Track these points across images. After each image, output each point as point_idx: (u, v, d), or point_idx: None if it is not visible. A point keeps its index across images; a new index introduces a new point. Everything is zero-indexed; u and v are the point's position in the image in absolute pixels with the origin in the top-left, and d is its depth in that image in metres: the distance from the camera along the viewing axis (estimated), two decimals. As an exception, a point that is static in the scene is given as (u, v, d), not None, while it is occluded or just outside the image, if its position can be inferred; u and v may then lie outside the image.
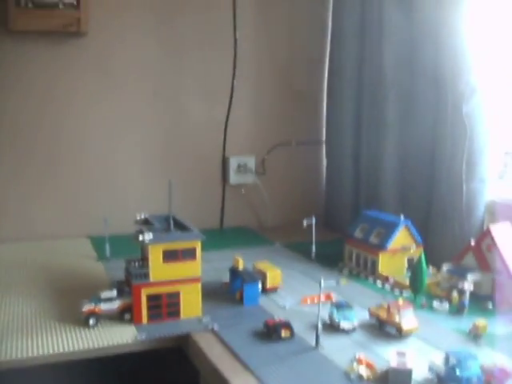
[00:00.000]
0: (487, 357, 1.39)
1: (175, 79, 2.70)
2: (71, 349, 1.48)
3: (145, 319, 1.62)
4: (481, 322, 1.53)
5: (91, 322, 1.59)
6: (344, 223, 2.70)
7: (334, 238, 2.49)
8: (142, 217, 1.81)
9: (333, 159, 2.89)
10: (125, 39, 2.59)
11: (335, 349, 1.47)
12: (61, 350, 1.47)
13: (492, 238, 1.80)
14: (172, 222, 1.69)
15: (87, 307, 1.60)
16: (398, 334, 1.53)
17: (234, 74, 2.76)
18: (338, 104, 2.78)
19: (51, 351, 1.46)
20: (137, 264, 1.68)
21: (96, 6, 2.47)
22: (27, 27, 2.34)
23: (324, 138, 2.97)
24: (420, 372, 1.32)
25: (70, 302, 1.77)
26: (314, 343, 1.48)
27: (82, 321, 1.60)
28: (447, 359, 1.27)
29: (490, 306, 1.74)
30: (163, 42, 2.66)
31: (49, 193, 2.56)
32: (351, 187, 2.77)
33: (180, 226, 1.72)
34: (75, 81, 2.55)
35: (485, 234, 1.85)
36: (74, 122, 2.57)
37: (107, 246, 2.21)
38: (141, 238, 1.58)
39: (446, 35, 2.10)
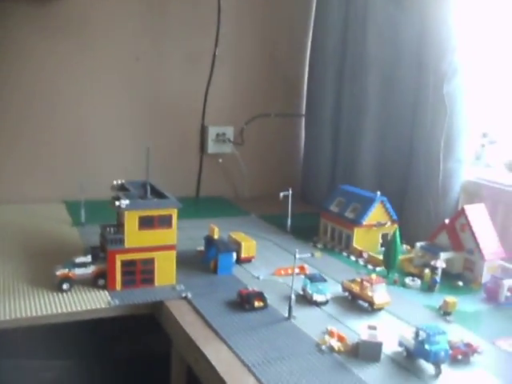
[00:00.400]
0: (455, 333, 1.42)
1: (157, 46, 2.67)
2: (44, 313, 1.47)
3: (119, 285, 1.62)
4: (451, 299, 1.56)
5: (65, 286, 1.59)
6: (320, 197, 2.70)
7: (310, 212, 2.50)
8: (119, 182, 1.80)
9: (311, 133, 2.89)
10: (106, 4, 2.54)
11: (307, 321, 1.48)
12: (33, 314, 1.46)
13: (466, 218, 1.82)
14: (149, 189, 1.68)
15: (61, 272, 1.59)
16: (370, 308, 1.55)
17: (216, 42, 2.73)
18: (320, 79, 2.78)
19: (24, 315, 1.46)
20: (112, 230, 1.67)
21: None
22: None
23: (304, 112, 2.96)
24: (390, 346, 1.34)
25: (43, 266, 1.75)
26: (286, 314, 1.50)
27: (56, 285, 1.59)
28: (417, 334, 1.29)
29: (461, 284, 1.77)
30: (146, 7, 2.62)
31: (24, 156, 2.53)
32: (329, 162, 2.78)
33: (156, 194, 1.71)
34: (54, 42, 2.49)
35: (459, 214, 1.87)
36: (51, 85, 2.53)
37: (82, 212, 2.19)
38: (117, 203, 1.57)
39: (430, 15, 2.10)
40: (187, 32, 2.70)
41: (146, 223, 1.61)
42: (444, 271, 1.76)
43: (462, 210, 1.84)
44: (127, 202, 1.58)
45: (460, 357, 1.31)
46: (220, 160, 2.86)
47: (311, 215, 2.37)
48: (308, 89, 2.92)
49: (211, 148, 2.82)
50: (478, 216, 1.83)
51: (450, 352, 1.29)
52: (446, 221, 1.88)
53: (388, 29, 2.35)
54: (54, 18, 2.47)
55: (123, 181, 1.81)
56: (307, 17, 2.88)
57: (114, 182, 1.80)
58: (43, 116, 2.54)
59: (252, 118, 2.89)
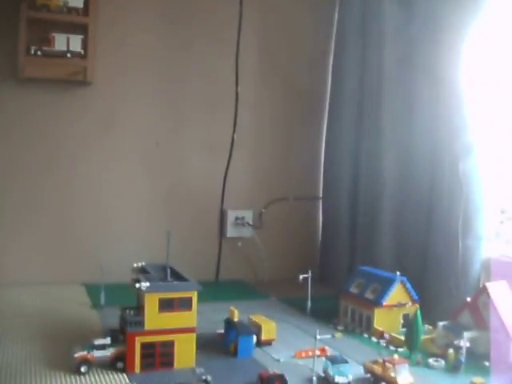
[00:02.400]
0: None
1: (176, 132, 2.75)
2: (62, 396, 1.46)
3: (138, 368, 1.60)
4: (478, 379, 1.52)
5: (83, 369, 1.57)
6: (339, 279, 2.70)
7: (330, 294, 2.48)
8: (139, 265, 1.81)
9: (329, 215, 2.91)
10: (129, 91, 2.65)
11: (330, 403, 1.45)
12: (51, 397, 1.45)
13: (488, 296, 1.80)
14: (169, 272, 1.69)
15: (79, 354, 1.58)
16: (394, 389, 1.52)
17: (234, 128, 2.81)
18: (336, 163, 2.83)
19: (41, 398, 1.44)
20: (132, 312, 1.67)
21: (103, 56, 2.54)
22: (35, 75, 2.39)
23: (321, 194, 2.99)
24: (415, 428, 1.30)
25: (62, 348, 1.74)
26: (308, 397, 1.47)
27: (74, 368, 1.57)
28: (443, 415, 1.25)
29: (487, 364, 1.72)
30: (166, 95, 2.72)
31: (46, 238, 2.57)
32: (347, 243, 2.78)
33: (176, 276, 1.71)
34: (79, 129, 2.59)
35: (481, 292, 1.84)
36: (74, 167, 2.61)
37: (102, 294, 2.19)
38: (137, 285, 1.58)
39: (444, 94, 2.15)
40: (205, 118, 2.79)
41: (166, 306, 1.61)
42: (468, 351, 1.73)
43: (484, 287, 1.82)
44: (148, 284, 1.59)
45: None
46: (239, 244, 2.87)
47: (330, 297, 2.35)
48: (324, 172, 2.96)
49: (230, 232, 2.84)
50: (500, 293, 1.80)
51: None
52: (468, 299, 1.86)
53: (402, 112, 2.41)
54: (77, 103, 2.58)
55: (143, 263, 1.82)
56: (323, 103, 2.95)
57: (135, 265, 1.81)
58: (64, 199, 2.60)
59: (270, 201, 2.92)
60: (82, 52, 2.42)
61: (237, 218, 2.84)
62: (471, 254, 2.07)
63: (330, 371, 1.57)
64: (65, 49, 2.39)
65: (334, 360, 1.60)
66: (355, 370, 1.63)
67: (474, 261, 2.07)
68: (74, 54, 2.41)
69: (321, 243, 3.01)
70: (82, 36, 2.43)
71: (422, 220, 2.30)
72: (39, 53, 2.36)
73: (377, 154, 2.53)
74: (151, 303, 1.59)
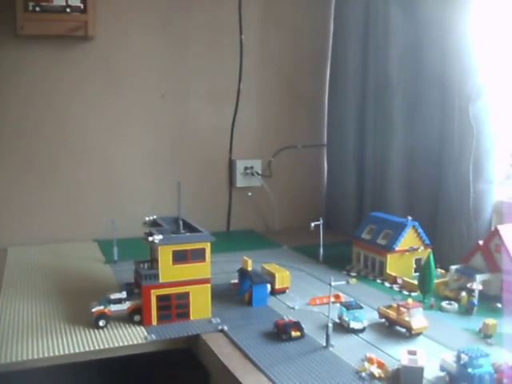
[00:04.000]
0: (498, 355, 1.39)
1: (182, 83, 2.72)
2: (81, 350, 1.48)
3: (154, 320, 1.62)
4: (491, 321, 1.53)
5: (101, 323, 1.60)
6: (347, 225, 2.71)
7: (340, 240, 2.50)
8: (151, 218, 1.82)
9: (334, 162, 2.91)
10: (131, 43, 2.61)
11: (346, 348, 1.47)
12: (71, 351, 1.47)
13: (500, 238, 1.80)
14: (181, 224, 1.69)
15: (97, 309, 1.61)
16: (408, 333, 1.53)
17: (239, 77, 2.78)
18: (341, 107, 2.80)
19: (61, 352, 1.47)
20: (146, 265, 1.69)
21: (103, 10, 2.49)
22: (35, 31, 2.35)
23: (325, 141, 2.98)
24: (431, 371, 1.32)
25: (79, 304, 1.77)
26: (324, 343, 1.48)
27: (92, 322, 1.60)
28: (459, 357, 1.27)
29: (499, 306, 1.74)
30: (170, 46, 2.68)
31: (56, 197, 2.58)
32: (354, 190, 2.78)
33: (189, 228, 1.72)
34: (83, 84, 2.56)
35: (493, 235, 1.85)
36: (81, 125, 2.59)
37: (115, 250, 2.21)
38: (150, 239, 1.58)
39: (452, 37, 2.11)
40: (211, 69, 2.76)
41: (179, 258, 1.62)
42: (481, 293, 1.74)
43: (496, 230, 1.82)
44: (160, 237, 1.59)
45: (505, 380, 1.27)
46: (249, 193, 2.87)
47: (342, 244, 2.37)
48: (329, 118, 2.94)
49: (240, 182, 2.84)
50: (512, 235, 1.81)
51: (495, 375, 1.26)
52: (480, 242, 1.86)
53: (409, 52, 2.37)
54: (79, 59, 2.54)
55: (155, 216, 1.83)
56: (326, 45, 2.92)
57: (146, 219, 1.82)
58: (72, 156, 2.59)
59: (279, 150, 2.91)
60: (82, 6, 2.36)
61: (246, 168, 2.84)
62: (482, 197, 2.06)
63: (345, 317, 1.59)
64: (63, 3, 2.33)
65: (348, 306, 1.61)
66: (370, 316, 1.64)
67: (485, 204, 2.06)
68: (74, 9, 2.35)
69: (326, 190, 3.01)
70: (80, -11, 2.37)
71: (433, 164, 2.28)
72: (37, 9, 2.31)
73: (384, 95, 2.50)
74: (165, 256, 1.61)
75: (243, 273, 1.86)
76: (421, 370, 1.27)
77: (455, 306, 1.74)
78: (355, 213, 2.77)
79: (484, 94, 2.03)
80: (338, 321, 1.62)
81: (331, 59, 2.89)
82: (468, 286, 1.76)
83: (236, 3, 2.74)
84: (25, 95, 2.49)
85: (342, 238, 2.57)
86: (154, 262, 1.68)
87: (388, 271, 2.02)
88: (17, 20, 2.31)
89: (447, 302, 1.76)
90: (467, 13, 2.05)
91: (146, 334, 1.57)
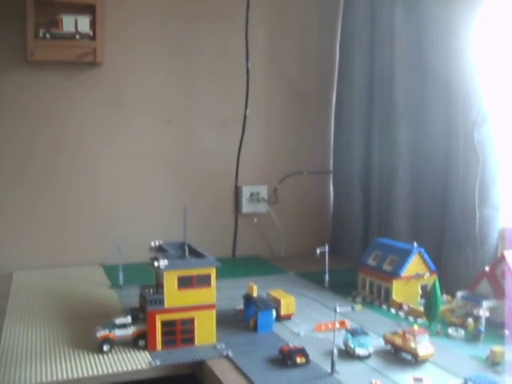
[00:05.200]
0: None
1: (188, 109, 2.74)
2: (85, 375, 1.47)
3: (159, 346, 1.61)
4: (498, 348, 1.52)
5: (105, 348, 1.59)
6: (353, 251, 2.70)
7: (346, 267, 2.49)
8: (157, 244, 1.82)
9: (340, 188, 2.91)
10: (139, 70, 2.64)
11: (351, 375, 1.46)
12: (75, 376, 1.47)
13: (506, 265, 1.79)
14: (187, 249, 1.69)
15: (101, 333, 1.60)
16: (414, 360, 1.52)
17: (246, 103, 2.80)
18: (347, 134, 2.81)
19: (65, 377, 1.46)
20: (151, 290, 1.69)
21: (112, 37, 2.53)
22: (45, 57, 2.39)
23: (331, 167, 2.99)
24: (437, 398, 1.31)
25: (83, 328, 1.77)
26: (329, 369, 1.47)
27: (96, 347, 1.60)
28: (465, 384, 1.26)
29: (507, 333, 1.72)
30: (176, 73, 2.71)
31: (63, 221, 2.59)
32: (360, 216, 2.78)
33: (194, 253, 1.72)
34: (90, 109, 2.59)
35: (499, 261, 1.84)
36: (88, 151, 2.61)
37: (120, 274, 2.21)
38: (156, 264, 1.59)
39: (458, 62, 2.12)
40: (217, 95, 2.78)
41: (185, 283, 1.62)
42: (487, 320, 1.73)
43: (502, 256, 1.81)
44: (166, 262, 1.59)
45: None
46: (255, 219, 2.88)
47: (347, 270, 2.36)
48: (334, 144, 2.95)
49: (246, 208, 2.84)
50: (518, 262, 1.80)
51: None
52: (486, 268, 1.85)
53: (415, 79, 2.39)
54: (87, 85, 2.57)
55: (161, 242, 1.83)
56: (333, 72, 2.94)
57: (152, 244, 1.82)
58: (80, 181, 2.61)
59: (285, 176, 2.91)
60: (91, 33, 2.40)
61: (252, 194, 2.84)
62: (488, 223, 2.06)
63: (351, 343, 1.58)
64: (73, 30, 2.38)
65: (354, 332, 1.60)
66: (375, 342, 1.63)
67: (491, 230, 2.06)
68: (83, 36, 2.39)
69: (332, 216, 3.01)
70: (90, 17, 2.40)
71: (438, 190, 2.28)
72: (48, 35, 2.35)
73: (389, 122, 2.51)
74: (170, 281, 1.60)
75: (248, 299, 1.85)
76: (427, 397, 1.26)
77: (462, 332, 1.73)
78: (361, 239, 2.76)
79: (489, 119, 2.04)
80: (343, 347, 1.61)
81: (337, 90, 2.91)
82: (474, 312, 1.75)
83: (243, 30, 2.77)
84: (33, 120, 2.51)
85: (347, 264, 2.57)
86: (159, 287, 1.68)
87: (394, 297, 2.01)
88: (27, 46, 2.35)
89: (453, 328, 1.75)
90: (473, 37, 2.07)
91: (150, 359, 1.56)
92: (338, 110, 2.91)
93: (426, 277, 2.03)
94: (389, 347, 1.62)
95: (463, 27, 2.09)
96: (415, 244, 2.05)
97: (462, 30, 2.10)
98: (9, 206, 2.51)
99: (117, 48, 2.57)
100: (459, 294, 1.88)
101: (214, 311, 1.66)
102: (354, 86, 2.73)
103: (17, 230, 2.53)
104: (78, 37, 2.38)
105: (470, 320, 1.75)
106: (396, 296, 2.00)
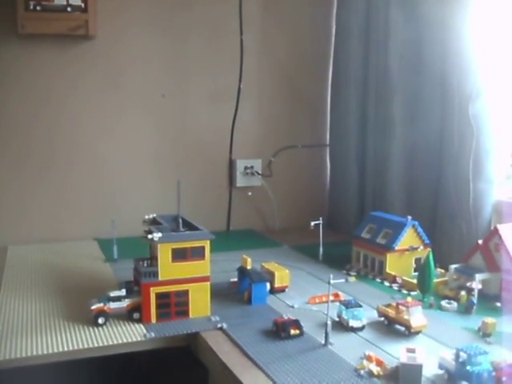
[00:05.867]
0: (497, 354, 1.39)
1: (182, 83, 2.72)
2: (80, 347, 1.48)
3: (154, 318, 1.62)
4: (490, 320, 1.53)
5: (100, 320, 1.60)
6: (348, 225, 2.71)
7: (341, 240, 2.49)
8: (151, 217, 1.82)
9: (337, 162, 2.91)
10: (132, 42, 2.61)
11: (344, 346, 1.47)
12: (70, 349, 1.47)
13: (500, 238, 1.80)
14: (181, 222, 1.69)
15: (96, 306, 1.61)
16: (407, 331, 1.53)
17: (240, 77, 2.78)
18: (342, 106, 2.80)
19: (60, 349, 1.47)
20: (145, 263, 1.69)
21: (104, 10, 2.49)
22: (36, 30, 2.35)
23: (328, 141, 2.98)
24: (430, 369, 1.32)
25: (78, 301, 1.77)
26: (323, 341, 1.48)
27: (91, 320, 1.60)
28: (457, 355, 1.27)
29: (498, 305, 1.74)
30: (170, 46, 2.68)
31: (56, 195, 2.58)
32: (356, 189, 2.78)
33: (188, 226, 1.72)
34: (83, 83, 2.57)
35: (492, 234, 1.85)
36: (81, 124, 2.59)
37: (115, 248, 2.21)
38: (150, 236, 1.59)
39: (452, 37, 2.11)
40: (211, 68, 2.76)
41: (179, 255, 1.62)
42: (480, 292, 1.74)
43: (495, 229, 1.82)
44: (160, 234, 1.59)
45: (504, 378, 1.27)
46: (249, 193, 2.87)
47: (342, 243, 2.36)
48: (331, 118, 2.94)
49: (240, 181, 2.84)
50: (511, 235, 1.80)
51: (494, 373, 1.26)
52: (480, 241, 1.86)
53: (410, 52, 2.38)
54: (79, 58, 2.54)
55: (155, 215, 1.83)
56: (328, 45, 2.91)
57: (146, 217, 1.83)
58: (72, 155, 2.59)
59: (279, 149, 2.91)
60: (83, 5, 2.36)
61: (246, 168, 2.84)
62: (482, 197, 2.06)
63: (345, 315, 1.59)
64: (64, 3, 2.34)
65: (347, 304, 1.61)
66: (369, 314, 1.65)
67: (485, 204, 2.06)
68: (75, 8, 2.35)
69: (329, 190, 3.01)
70: (81, -11, 2.38)
71: (432, 164, 2.29)
72: (38, 8, 2.31)
73: (384, 95, 2.50)
74: (164, 253, 1.61)
75: (242, 271, 1.86)
76: (419, 367, 1.27)
77: (454, 305, 1.74)
78: (357, 213, 2.76)
79: (484, 93, 2.03)
80: (337, 319, 1.62)
81: (333, 59, 2.89)
82: (467, 285, 1.77)
83: (237, 3, 2.74)
84: (25, 93, 2.48)
85: (342, 237, 2.57)
86: (153, 259, 1.68)
87: (387, 270, 2.02)
88: (18, 19, 2.31)
89: (446, 301, 1.76)
90: (467, 12, 2.05)
91: (145, 331, 1.57)
92: (334, 84, 2.89)
93: (419, 250, 2.04)
94: (382, 319, 1.63)
95: (460, 3, 2.07)
96: (409, 217, 2.05)
97: (459, 6, 2.08)
98: (4, 182, 2.50)
99: (109, 21, 2.53)
100: (452, 266, 1.89)
101: (208, 283, 1.67)
102: (350, 60, 2.71)
103: (13, 204, 2.52)
104: (69, 9, 2.34)
105: (463, 292, 1.77)
106: (390, 269, 2.01)
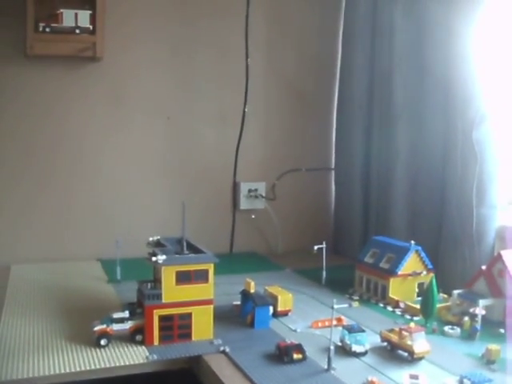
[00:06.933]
0: (501, 381, 1.38)
1: (187, 105, 2.74)
2: (82, 368, 1.48)
3: (156, 340, 1.62)
4: (494, 346, 1.53)
5: (102, 342, 1.60)
6: (353, 249, 2.70)
7: (344, 264, 2.49)
8: (155, 239, 1.82)
9: (342, 186, 2.91)
10: (139, 65, 2.64)
11: (347, 372, 1.46)
12: (72, 370, 1.47)
13: (503, 264, 1.80)
14: (185, 244, 1.70)
15: (99, 327, 1.61)
16: (410, 357, 1.53)
17: (245, 100, 2.80)
18: (347, 132, 2.81)
19: (62, 371, 1.46)
20: (149, 285, 1.69)
21: (112, 32, 2.52)
22: (44, 52, 2.38)
23: (333, 165, 2.99)
24: (433, 395, 1.32)
25: (81, 322, 1.77)
26: (326, 366, 1.48)
27: (94, 341, 1.60)
28: (461, 382, 1.27)
29: (502, 331, 1.73)
30: (176, 69, 2.71)
31: (62, 215, 2.59)
32: (360, 213, 2.78)
33: (192, 249, 1.73)
34: (89, 104, 2.59)
35: (496, 260, 1.85)
36: (86, 144, 2.60)
37: (118, 269, 2.21)
38: (154, 259, 1.59)
39: (457, 61, 2.13)
40: (216, 90, 2.78)
41: (183, 278, 1.62)
42: (484, 318, 1.73)
43: (499, 255, 1.82)
44: (164, 257, 1.60)
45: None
46: (253, 216, 2.88)
47: (345, 267, 2.36)
48: (336, 142, 2.95)
49: (244, 204, 2.85)
50: (515, 261, 1.81)
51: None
52: (483, 267, 1.86)
53: (414, 78, 2.39)
54: (86, 79, 2.56)
55: (159, 237, 1.83)
56: (334, 70, 2.93)
57: (150, 239, 1.83)
58: (77, 175, 2.60)
59: (283, 173, 2.92)
60: (91, 27, 2.39)
61: (250, 191, 2.85)
62: (485, 222, 2.06)
63: (347, 340, 1.59)
64: (73, 25, 2.37)
65: (350, 329, 1.61)
66: (372, 339, 1.64)
67: (488, 229, 2.07)
68: (83, 30, 2.38)
69: (334, 214, 3.01)
70: (90, 11, 2.39)
71: (436, 189, 2.29)
72: (47, 29, 2.34)
73: (389, 120, 2.51)
74: (168, 276, 1.61)
75: (246, 295, 1.85)
76: (423, 394, 1.27)
77: (458, 330, 1.73)
78: (361, 237, 2.76)
79: (487, 118, 2.04)
80: (339, 344, 1.61)
81: (339, 88, 2.90)
82: (471, 310, 1.76)
83: (243, 27, 2.76)
84: (34, 115, 2.51)
85: (346, 261, 2.57)
86: (157, 282, 1.68)
87: (390, 295, 2.01)
88: (27, 40, 2.33)
89: (450, 326, 1.76)
90: (473, 36, 2.07)
91: (147, 353, 1.56)
92: (340, 108, 2.90)
93: (422, 275, 2.04)
94: (385, 344, 1.62)
95: (463, 28, 2.09)
96: (412, 242, 2.05)
97: (463, 31, 2.09)
98: (8, 199, 2.51)
99: (117, 43, 2.56)
100: (456, 292, 1.89)
101: (212, 307, 1.67)
102: (356, 84, 2.73)
103: (15, 223, 2.53)
104: (77, 31, 2.37)
105: (467, 318, 1.76)
106: (393, 294, 2.01)
